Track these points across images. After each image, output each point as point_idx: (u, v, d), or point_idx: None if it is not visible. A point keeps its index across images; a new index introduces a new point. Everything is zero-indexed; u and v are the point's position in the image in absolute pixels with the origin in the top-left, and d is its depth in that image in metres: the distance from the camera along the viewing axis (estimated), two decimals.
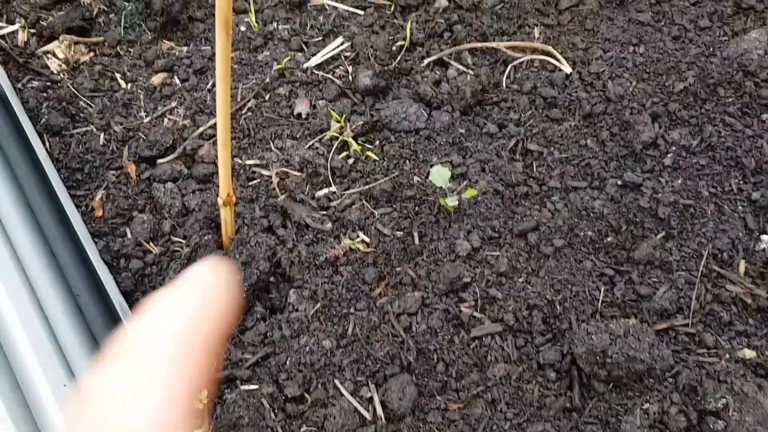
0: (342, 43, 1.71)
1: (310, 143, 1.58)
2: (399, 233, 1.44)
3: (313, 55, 1.70)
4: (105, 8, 1.82)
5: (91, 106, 1.65)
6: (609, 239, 1.40)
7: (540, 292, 1.34)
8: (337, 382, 1.27)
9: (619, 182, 1.44)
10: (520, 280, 1.37)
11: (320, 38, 1.74)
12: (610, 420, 1.21)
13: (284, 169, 1.55)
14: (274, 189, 1.53)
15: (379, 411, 1.25)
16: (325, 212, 1.49)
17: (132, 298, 1.40)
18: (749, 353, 1.26)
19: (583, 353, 1.22)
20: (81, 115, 1.64)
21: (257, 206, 1.50)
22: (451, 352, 1.30)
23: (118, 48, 1.77)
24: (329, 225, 1.47)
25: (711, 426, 1.17)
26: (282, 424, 1.24)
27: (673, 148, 1.45)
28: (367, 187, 1.50)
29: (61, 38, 1.73)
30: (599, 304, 1.33)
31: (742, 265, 1.34)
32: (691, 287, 1.32)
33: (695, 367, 1.25)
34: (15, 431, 1.18)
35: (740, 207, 1.39)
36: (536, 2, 1.73)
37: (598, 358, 1.21)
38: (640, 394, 1.23)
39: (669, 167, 1.44)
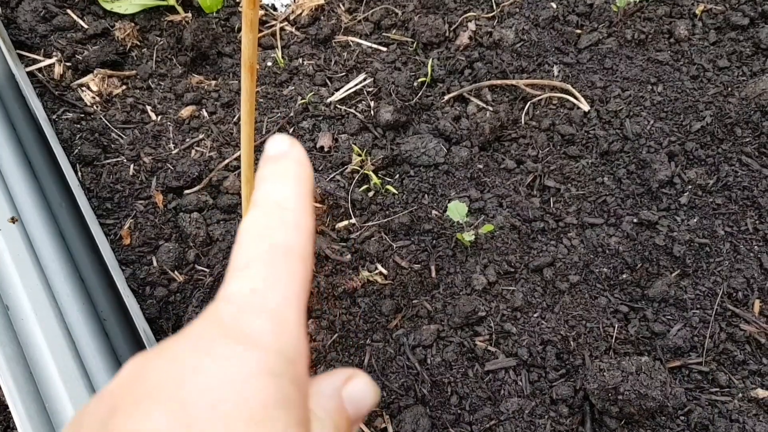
0: (365, 79, 1.76)
1: (332, 176, 1.62)
2: (416, 266, 1.47)
3: (337, 90, 1.75)
4: (138, 43, 1.89)
5: (122, 138, 1.71)
6: (624, 276, 1.41)
7: (554, 327, 1.36)
8: None
9: (635, 220, 1.46)
10: (535, 315, 1.38)
11: (344, 74, 1.79)
12: None
13: None
14: None
15: None
16: (344, 244, 1.53)
17: (156, 324, 1.44)
18: (762, 393, 1.26)
19: (596, 389, 1.24)
20: (112, 146, 1.70)
21: None
22: (465, 385, 1.32)
23: (149, 81, 1.83)
24: (348, 256, 1.50)
25: None
26: None
27: (690, 186, 1.47)
28: (386, 220, 1.54)
29: (95, 71, 1.80)
30: (613, 340, 1.34)
31: (757, 304, 1.34)
32: (705, 326, 1.33)
33: (707, 406, 1.26)
34: None
35: (756, 247, 1.40)
36: (556, 41, 1.77)
37: (610, 394, 1.22)
38: (651, 431, 1.24)
39: (685, 206, 1.45)
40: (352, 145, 1.64)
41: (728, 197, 1.46)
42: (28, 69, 1.79)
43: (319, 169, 1.65)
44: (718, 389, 1.27)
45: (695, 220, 1.43)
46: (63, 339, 1.37)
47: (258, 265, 0.48)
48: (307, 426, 0.45)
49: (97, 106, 1.77)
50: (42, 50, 1.83)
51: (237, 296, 0.47)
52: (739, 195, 1.45)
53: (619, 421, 1.25)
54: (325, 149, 1.67)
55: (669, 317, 1.35)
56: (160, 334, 1.43)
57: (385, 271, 1.47)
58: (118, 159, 1.67)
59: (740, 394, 1.26)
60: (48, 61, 1.82)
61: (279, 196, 0.53)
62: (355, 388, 0.52)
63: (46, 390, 1.29)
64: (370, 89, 1.75)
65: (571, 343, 1.34)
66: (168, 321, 1.45)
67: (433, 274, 1.46)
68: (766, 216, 1.43)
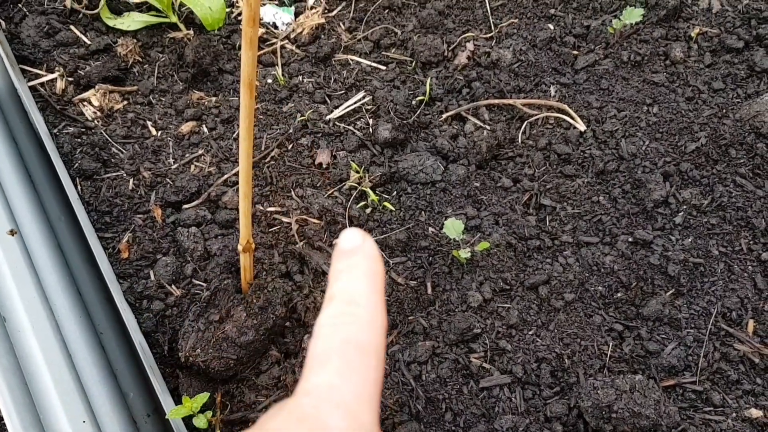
0: (363, 97, 1.78)
1: (330, 192, 1.64)
2: (412, 282, 1.48)
3: (336, 107, 1.77)
4: (140, 59, 1.91)
5: (122, 152, 1.72)
6: (619, 295, 1.42)
7: (549, 345, 1.37)
8: None
9: (630, 239, 1.47)
10: (530, 332, 1.39)
11: (343, 91, 1.81)
12: None
13: (304, 216, 1.60)
14: (293, 236, 1.58)
15: None
16: None
17: (152, 337, 1.45)
18: (756, 413, 1.26)
19: (589, 407, 1.24)
20: (112, 160, 1.71)
21: (276, 252, 1.55)
22: (459, 401, 1.32)
23: (150, 97, 1.85)
24: None
25: None
26: None
27: (684, 207, 1.48)
28: (383, 236, 1.55)
29: (96, 87, 1.82)
30: (607, 358, 1.34)
31: (751, 324, 1.35)
32: (700, 345, 1.34)
33: (701, 425, 1.26)
34: None
35: (750, 267, 1.41)
36: (553, 62, 1.79)
37: (603, 412, 1.22)
38: None
39: (680, 226, 1.47)
40: (351, 162, 1.65)
41: (722, 217, 1.47)
42: (30, 83, 1.81)
43: (317, 185, 1.66)
44: (711, 408, 1.28)
45: (690, 240, 1.44)
46: (59, 351, 1.38)
47: (335, 361, 0.52)
48: None
49: (98, 121, 1.78)
50: (44, 65, 1.85)
51: (316, 390, 0.52)
52: (734, 215, 1.46)
53: None
54: (324, 166, 1.69)
55: (663, 336, 1.36)
56: (156, 347, 1.43)
57: None
58: (118, 173, 1.69)
59: (734, 414, 1.27)
60: (50, 76, 1.83)
61: (353, 291, 0.57)
62: None
63: (42, 402, 1.29)
64: (369, 107, 1.77)
65: (566, 360, 1.35)
66: (164, 335, 1.45)
67: (429, 291, 1.47)
68: (760, 236, 1.44)
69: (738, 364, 1.32)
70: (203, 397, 1.26)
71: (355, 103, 1.77)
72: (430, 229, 1.55)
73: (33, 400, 1.29)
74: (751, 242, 1.43)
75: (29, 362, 1.33)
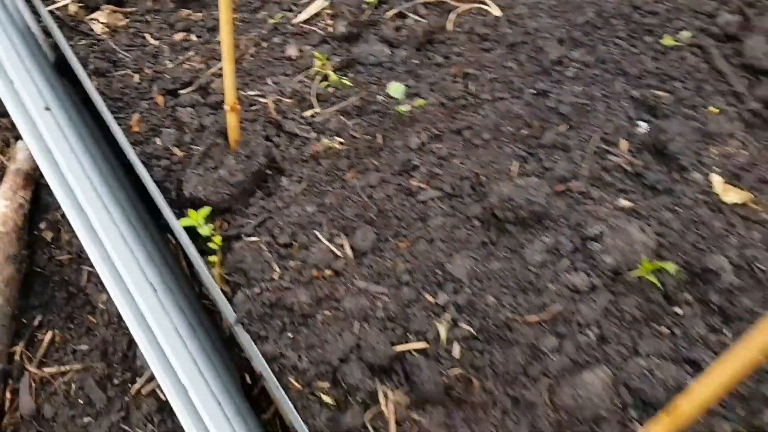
0: (323, 2, 2.17)
1: (299, 78, 2.03)
2: (367, 137, 1.88)
3: (300, 12, 2.16)
4: None
5: (127, 57, 2.11)
6: (524, 132, 1.82)
7: (470, 169, 1.77)
8: (316, 233, 1.70)
9: (533, 91, 1.87)
10: (456, 161, 1.79)
11: (306, 0, 2.21)
12: (517, 249, 1.63)
13: (278, 97, 2.00)
14: (270, 112, 1.97)
15: (348, 251, 1.67)
16: (310, 126, 1.93)
17: (162, 186, 1.84)
18: (625, 202, 1.67)
19: (497, 202, 1.64)
20: (120, 62, 2.10)
21: (258, 123, 1.95)
22: (402, 211, 1.72)
23: (147, 16, 2.24)
24: (313, 134, 1.91)
25: (590, 247, 1.59)
26: (276, 259, 1.67)
27: (574, 63, 1.89)
28: (343, 105, 1.94)
29: (102, 8, 2.21)
30: (514, 174, 1.75)
31: (624, 143, 1.76)
32: (585, 161, 1.75)
33: (584, 213, 1.67)
34: None
35: (624, 102, 1.82)
36: None
37: (506, 204, 1.63)
38: (540, 231, 1.65)
39: (570, 77, 1.87)
40: (315, 53, 2.05)
41: (604, 69, 1.88)
42: (48, 8, 2.19)
43: (289, 73, 2.05)
44: (592, 201, 1.69)
45: (578, 88, 1.85)
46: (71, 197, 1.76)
47: None
48: None
49: (106, 35, 2.17)
50: None
51: None
52: (612, 67, 1.87)
53: (516, 225, 1.66)
54: (293, 58, 2.08)
55: (557, 157, 1.77)
56: (166, 193, 1.82)
57: (342, 140, 1.87)
58: (125, 71, 2.08)
59: (609, 204, 1.68)
60: (64, 2, 2.22)
61: None
62: None
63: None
64: (329, 11, 2.16)
65: (482, 178, 1.75)
66: (172, 184, 1.85)
67: (380, 141, 1.86)
68: (632, 80, 1.85)
69: (613, 172, 1.73)
70: (206, 211, 1.66)
71: (316, 8, 2.17)
72: (380, 97, 1.95)
73: None
74: (625, 85, 1.84)
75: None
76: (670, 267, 1.50)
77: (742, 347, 0.81)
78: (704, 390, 0.88)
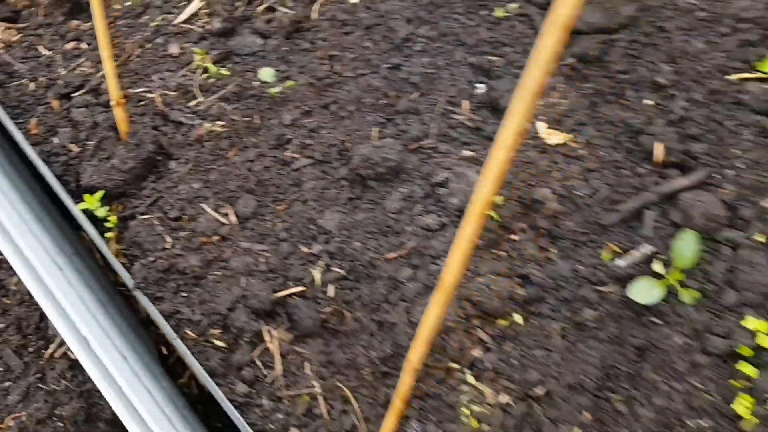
0: (200, 3, 2.39)
1: (182, 72, 2.24)
2: (245, 118, 2.11)
3: (180, 14, 2.38)
4: (27, 3, 2.47)
5: (23, 68, 2.29)
6: (382, 101, 2.08)
7: (337, 137, 2.02)
8: (203, 205, 1.93)
9: (388, 65, 2.13)
10: (325, 132, 2.04)
11: (184, 3, 2.42)
12: (378, 200, 1.89)
13: (164, 91, 2.21)
14: (157, 105, 2.18)
15: (232, 218, 1.90)
16: (194, 114, 2.15)
17: (61, 179, 2.03)
18: (467, 153, 1.94)
19: (360, 163, 1.89)
20: (16, 73, 2.28)
21: (146, 116, 2.15)
22: (278, 179, 1.96)
23: (39, 30, 2.42)
24: (198, 120, 2.13)
25: (439, 192, 1.85)
26: (167, 231, 1.89)
27: (421, 39, 2.15)
28: (222, 92, 2.17)
29: None
30: (375, 138, 2.00)
31: (465, 103, 2.03)
32: (434, 121, 2.01)
33: (433, 165, 1.93)
34: None
35: (464, 69, 2.09)
36: None
37: (365, 163, 1.88)
38: (398, 184, 1.90)
39: (419, 51, 2.14)
40: (194, 49, 2.27)
41: (446, 41, 2.15)
42: None
43: (172, 69, 2.27)
44: (441, 155, 1.95)
45: (425, 59, 2.12)
46: None
47: None
48: None
49: (1, 50, 2.34)
50: None
51: None
52: (452, 39, 2.15)
53: (377, 181, 1.91)
54: (175, 55, 2.29)
55: (411, 121, 2.03)
56: (65, 185, 2.02)
57: (223, 123, 2.10)
58: (21, 81, 2.26)
59: (454, 155, 1.95)
60: None
61: None
62: None
63: None
64: (205, 10, 2.38)
65: (348, 144, 2.00)
66: (70, 176, 2.04)
67: (257, 122, 2.10)
68: (470, 49, 2.12)
69: (457, 128, 2.00)
70: (99, 194, 1.87)
71: (194, 9, 2.39)
72: (255, 83, 2.18)
73: None
74: (465, 53, 2.12)
75: None
76: (498, 199, 1.78)
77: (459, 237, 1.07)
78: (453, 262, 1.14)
